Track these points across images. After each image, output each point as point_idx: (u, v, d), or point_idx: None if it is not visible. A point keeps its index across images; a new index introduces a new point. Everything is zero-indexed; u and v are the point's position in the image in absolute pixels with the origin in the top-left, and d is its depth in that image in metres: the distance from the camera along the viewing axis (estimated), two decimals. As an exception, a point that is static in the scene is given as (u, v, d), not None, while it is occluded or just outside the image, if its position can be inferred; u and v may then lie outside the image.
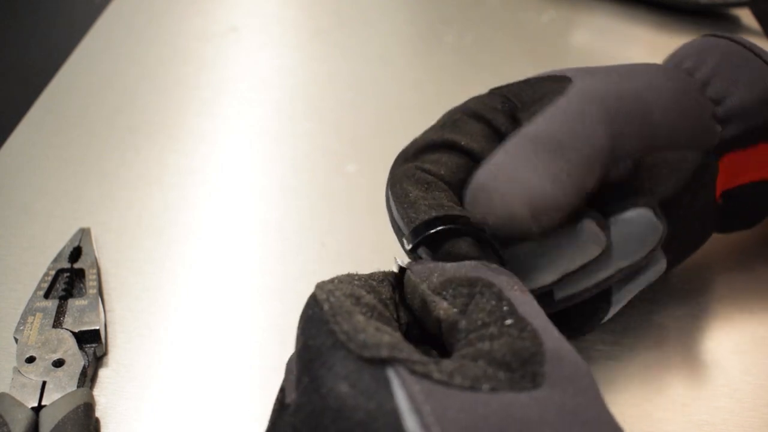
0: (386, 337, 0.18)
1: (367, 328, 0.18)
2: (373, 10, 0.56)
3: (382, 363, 0.17)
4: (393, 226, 0.26)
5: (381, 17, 0.56)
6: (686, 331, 0.32)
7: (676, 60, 0.31)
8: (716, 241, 0.35)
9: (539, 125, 0.25)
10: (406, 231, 0.25)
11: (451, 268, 0.22)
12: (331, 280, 0.21)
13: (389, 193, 0.27)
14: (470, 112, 0.28)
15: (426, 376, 0.17)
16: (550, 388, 0.17)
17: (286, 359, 0.30)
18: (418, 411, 0.16)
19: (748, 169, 0.31)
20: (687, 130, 0.28)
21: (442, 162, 0.27)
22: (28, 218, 0.36)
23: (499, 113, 0.28)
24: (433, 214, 0.24)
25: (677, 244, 0.30)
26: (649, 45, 0.54)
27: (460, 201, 0.26)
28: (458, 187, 0.27)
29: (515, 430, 0.16)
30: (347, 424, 0.16)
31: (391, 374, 0.17)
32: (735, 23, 0.57)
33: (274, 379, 0.29)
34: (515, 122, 0.28)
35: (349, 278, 0.22)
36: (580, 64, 0.51)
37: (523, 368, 0.17)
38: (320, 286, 0.21)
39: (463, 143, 0.27)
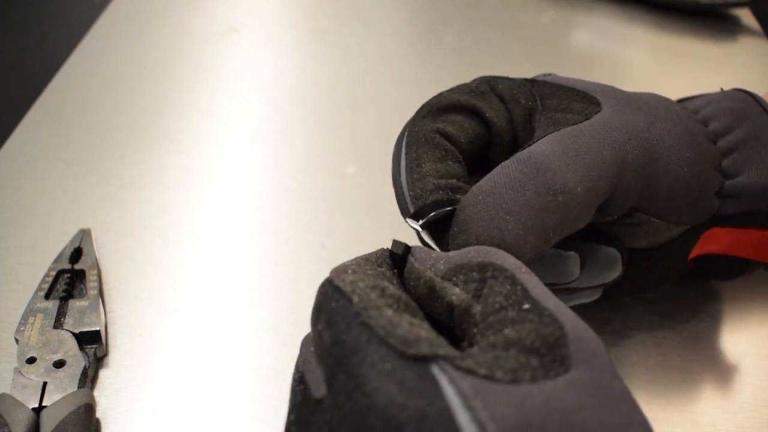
0: (423, 332, 0.18)
1: (402, 323, 0.18)
2: (373, 10, 0.56)
3: (425, 360, 0.17)
4: (394, 180, 0.26)
5: (381, 17, 0.56)
6: (685, 332, 0.32)
7: (708, 112, 0.30)
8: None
9: (548, 150, 0.24)
10: (410, 204, 0.25)
11: (456, 255, 0.22)
12: (344, 269, 0.21)
13: (403, 150, 0.26)
14: (497, 92, 0.28)
15: (470, 371, 0.17)
16: (577, 369, 0.17)
17: (285, 360, 0.30)
18: (470, 407, 0.16)
19: (729, 244, 0.30)
20: (683, 209, 0.27)
21: (465, 127, 0.27)
22: (29, 219, 0.36)
23: (520, 108, 0.28)
24: (440, 195, 0.25)
25: (636, 286, 0.31)
26: (649, 45, 0.54)
27: (470, 172, 0.27)
28: (472, 157, 0.27)
29: (559, 418, 0.16)
30: (395, 422, 0.16)
31: (436, 371, 0.17)
32: (735, 23, 0.57)
33: (274, 379, 0.29)
34: (529, 124, 0.28)
35: (361, 267, 0.21)
36: (580, 64, 0.51)
37: (551, 353, 0.18)
38: (341, 278, 0.20)
39: (488, 115, 0.27)
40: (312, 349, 0.21)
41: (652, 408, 0.29)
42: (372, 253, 0.23)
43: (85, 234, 0.35)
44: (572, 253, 0.25)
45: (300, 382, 0.21)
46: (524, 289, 0.19)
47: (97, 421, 0.27)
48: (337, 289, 0.20)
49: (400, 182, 0.26)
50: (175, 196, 0.38)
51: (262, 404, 0.29)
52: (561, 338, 0.18)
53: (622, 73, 0.51)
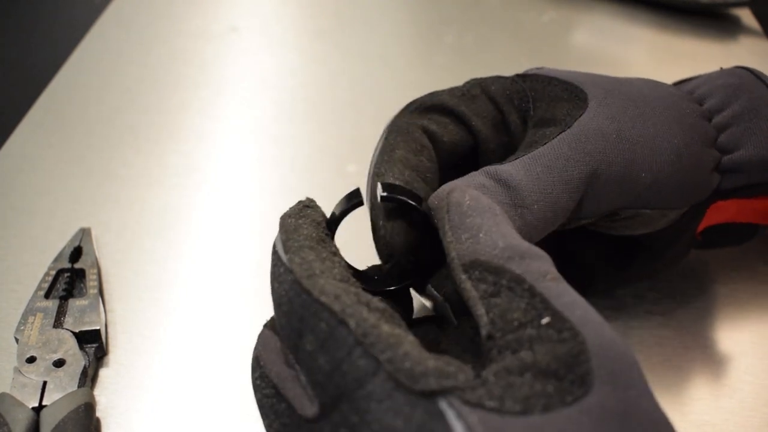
0: (431, 362, 0.17)
1: (409, 352, 0.17)
2: (373, 10, 0.56)
3: (432, 394, 0.17)
4: (371, 162, 0.27)
5: (381, 17, 0.56)
6: (686, 332, 0.32)
7: (703, 91, 0.30)
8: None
9: (514, 172, 0.24)
10: (370, 180, 0.25)
11: (481, 246, 0.20)
12: (311, 270, 0.20)
13: (383, 135, 0.27)
14: (490, 95, 0.28)
15: (479, 405, 0.16)
16: (600, 388, 0.17)
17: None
18: None
19: (734, 213, 0.30)
20: (673, 197, 0.27)
21: (449, 129, 0.27)
22: (28, 218, 0.36)
23: (514, 110, 0.28)
24: (397, 182, 0.25)
25: (650, 270, 0.31)
26: (649, 45, 0.54)
27: (442, 181, 0.27)
28: (450, 161, 0.27)
29: None
30: None
31: (444, 406, 0.17)
32: (735, 23, 0.57)
33: (275, 379, 0.29)
34: (524, 125, 0.28)
35: (319, 255, 0.20)
36: (580, 64, 0.51)
37: (570, 373, 0.17)
38: (318, 287, 0.19)
39: (473, 124, 0.28)
40: (283, 362, 0.21)
41: (652, 407, 0.29)
42: (306, 223, 0.22)
43: (85, 233, 0.35)
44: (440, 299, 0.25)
45: (277, 398, 0.20)
46: (544, 301, 0.18)
47: (97, 421, 0.27)
48: (321, 304, 0.19)
49: (372, 163, 0.26)
50: (175, 196, 0.38)
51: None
52: (581, 354, 0.17)
53: (622, 73, 0.51)
